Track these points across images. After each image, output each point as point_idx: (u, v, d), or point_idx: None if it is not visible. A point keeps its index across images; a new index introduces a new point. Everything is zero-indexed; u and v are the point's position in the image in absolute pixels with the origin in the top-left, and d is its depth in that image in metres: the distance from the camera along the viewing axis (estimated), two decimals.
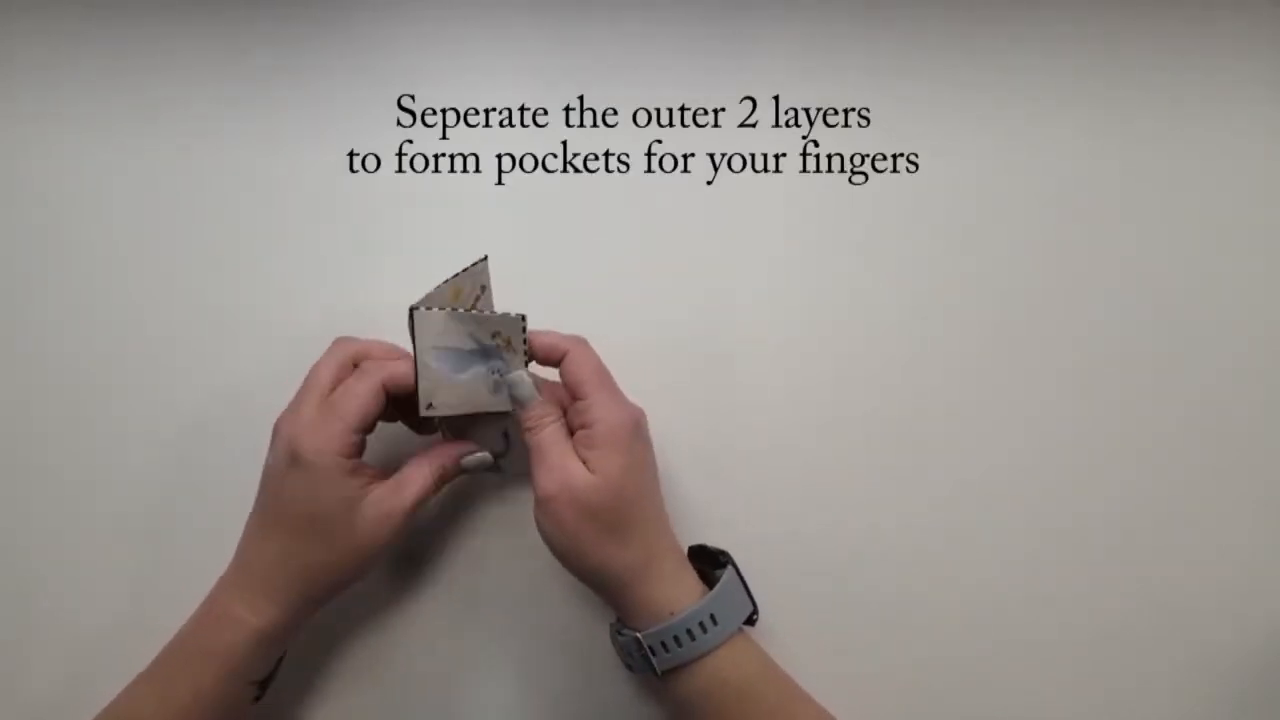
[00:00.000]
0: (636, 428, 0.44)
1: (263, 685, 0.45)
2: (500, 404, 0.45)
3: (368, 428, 0.44)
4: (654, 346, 0.52)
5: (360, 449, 0.44)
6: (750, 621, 0.45)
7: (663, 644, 0.42)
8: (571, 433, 0.44)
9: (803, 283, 0.53)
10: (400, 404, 0.45)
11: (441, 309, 0.44)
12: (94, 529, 0.50)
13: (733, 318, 0.53)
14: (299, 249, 0.53)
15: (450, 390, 0.44)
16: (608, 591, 0.44)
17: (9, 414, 0.51)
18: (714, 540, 0.47)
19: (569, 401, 0.45)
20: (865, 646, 0.51)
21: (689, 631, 0.42)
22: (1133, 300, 0.53)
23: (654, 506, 0.45)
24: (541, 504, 0.42)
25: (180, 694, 0.42)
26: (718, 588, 0.43)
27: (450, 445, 0.47)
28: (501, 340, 0.45)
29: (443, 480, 0.46)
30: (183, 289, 0.52)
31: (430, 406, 0.44)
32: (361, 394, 0.43)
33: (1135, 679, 0.50)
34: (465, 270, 0.45)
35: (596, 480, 0.42)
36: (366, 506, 0.43)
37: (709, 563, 0.46)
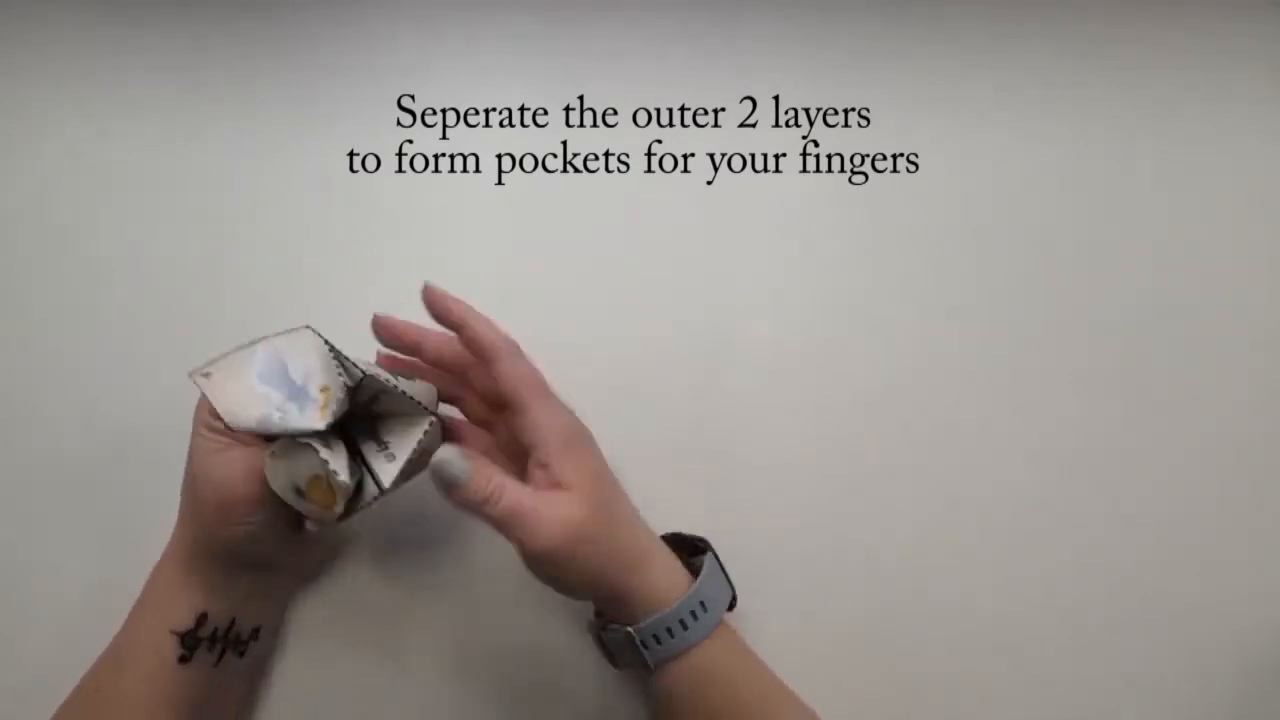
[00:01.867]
0: (578, 426, 0.43)
1: (186, 644, 0.43)
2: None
3: None
4: (653, 346, 0.52)
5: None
6: (730, 607, 0.45)
7: (655, 637, 0.42)
8: (510, 444, 0.43)
9: (802, 283, 0.53)
10: None
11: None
12: (95, 529, 0.50)
13: (732, 318, 0.53)
14: (299, 249, 0.53)
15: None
16: (601, 596, 0.43)
17: (8, 414, 0.51)
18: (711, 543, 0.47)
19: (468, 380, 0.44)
20: (862, 648, 0.50)
21: (681, 622, 0.42)
22: (1132, 300, 0.53)
23: (624, 499, 0.44)
24: (544, 557, 0.40)
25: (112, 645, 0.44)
26: (702, 575, 0.43)
27: None
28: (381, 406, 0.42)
29: None
30: (182, 289, 0.52)
31: None
32: None
33: (1135, 681, 0.50)
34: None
35: (581, 505, 0.40)
36: None
37: (686, 549, 0.46)
